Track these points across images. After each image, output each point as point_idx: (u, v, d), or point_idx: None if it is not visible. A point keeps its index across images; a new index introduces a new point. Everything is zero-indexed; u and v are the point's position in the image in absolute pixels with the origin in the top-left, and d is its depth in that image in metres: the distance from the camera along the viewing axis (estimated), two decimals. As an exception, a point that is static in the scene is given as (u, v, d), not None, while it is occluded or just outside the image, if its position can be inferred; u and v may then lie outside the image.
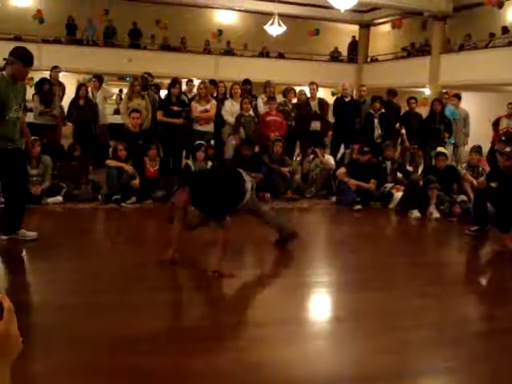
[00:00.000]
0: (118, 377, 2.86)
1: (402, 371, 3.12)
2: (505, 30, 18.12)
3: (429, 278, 4.97)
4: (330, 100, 12.09)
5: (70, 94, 10.92)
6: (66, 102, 10.49)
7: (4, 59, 5.08)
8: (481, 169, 8.49)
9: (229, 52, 22.37)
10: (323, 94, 15.28)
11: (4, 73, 5.00)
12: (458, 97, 10.72)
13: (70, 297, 3.92)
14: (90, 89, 10.62)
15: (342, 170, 8.61)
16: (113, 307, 3.75)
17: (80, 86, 10.33)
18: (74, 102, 10.07)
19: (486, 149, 9.88)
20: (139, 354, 3.06)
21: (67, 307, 3.72)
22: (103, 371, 2.89)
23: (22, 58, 4.95)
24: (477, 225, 6.67)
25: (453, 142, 10.37)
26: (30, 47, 5.38)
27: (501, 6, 16.65)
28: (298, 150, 10.41)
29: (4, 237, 5.29)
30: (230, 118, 9.22)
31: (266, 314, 3.90)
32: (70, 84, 12.46)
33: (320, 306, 4.35)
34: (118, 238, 6.17)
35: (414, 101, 10.38)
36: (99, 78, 11.38)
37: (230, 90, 9.72)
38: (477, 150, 8.76)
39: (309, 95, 10.25)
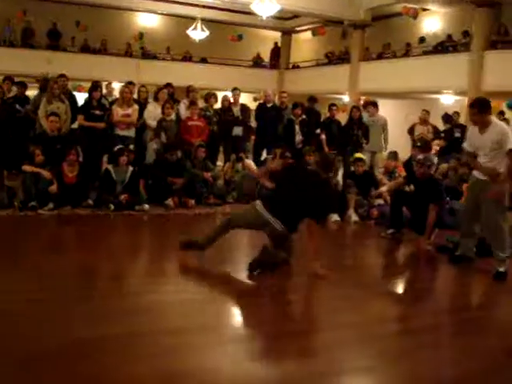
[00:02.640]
0: None
1: (324, 371, 3.18)
2: (421, 39, 18.92)
3: (348, 279, 5.09)
4: (252, 105, 12.20)
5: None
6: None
7: None
8: (397, 174, 8.80)
9: (150, 55, 22.12)
10: (245, 99, 15.38)
11: None
12: (374, 104, 10.92)
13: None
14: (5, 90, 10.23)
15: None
16: (37, 317, 3.64)
17: (-6, 88, 9.93)
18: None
19: (403, 154, 10.18)
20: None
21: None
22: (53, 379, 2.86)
23: None
24: (393, 228, 6.92)
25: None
26: None
27: (415, 16, 17.37)
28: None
29: None
30: (152, 122, 9.10)
31: (190, 321, 3.87)
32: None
33: (238, 312, 4.36)
34: (36, 246, 5.94)
35: (335, 107, 10.61)
36: (11, 80, 10.97)
37: (156, 94, 9.58)
38: (393, 155, 9.06)
39: (231, 100, 10.32)
